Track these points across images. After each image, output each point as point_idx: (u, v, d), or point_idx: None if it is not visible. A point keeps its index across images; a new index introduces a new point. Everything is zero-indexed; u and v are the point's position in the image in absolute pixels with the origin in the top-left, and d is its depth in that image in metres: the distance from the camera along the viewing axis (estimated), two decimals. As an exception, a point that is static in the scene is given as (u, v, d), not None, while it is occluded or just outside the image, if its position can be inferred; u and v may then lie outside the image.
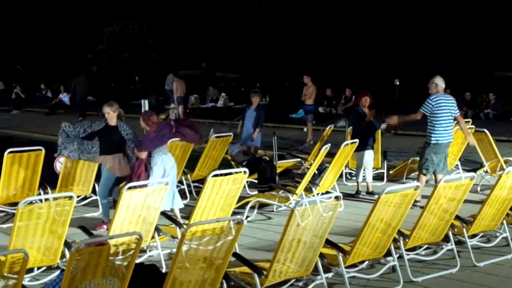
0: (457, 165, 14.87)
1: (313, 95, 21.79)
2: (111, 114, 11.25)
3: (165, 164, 10.86)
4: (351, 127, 15.58)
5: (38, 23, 51.56)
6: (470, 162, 15.66)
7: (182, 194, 13.47)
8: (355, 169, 14.27)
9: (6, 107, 36.26)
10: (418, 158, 14.70)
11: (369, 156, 13.55)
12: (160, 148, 10.84)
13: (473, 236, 9.69)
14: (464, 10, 38.87)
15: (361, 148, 13.13)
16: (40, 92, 40.70)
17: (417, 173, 14.80)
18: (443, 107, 12.08)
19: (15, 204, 11.20)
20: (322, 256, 7.84)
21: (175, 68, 36.30)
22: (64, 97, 35.51)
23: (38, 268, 8.55)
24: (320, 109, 29.71)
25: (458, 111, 12.46)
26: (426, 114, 12.13)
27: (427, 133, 12.25)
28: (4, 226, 11.29)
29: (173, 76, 28.90)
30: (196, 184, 13.73)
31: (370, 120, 13.65)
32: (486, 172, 13.96)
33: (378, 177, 14.98)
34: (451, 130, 12.34)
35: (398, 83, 27.80)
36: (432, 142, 12.12)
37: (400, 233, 8.53)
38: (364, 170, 13.62)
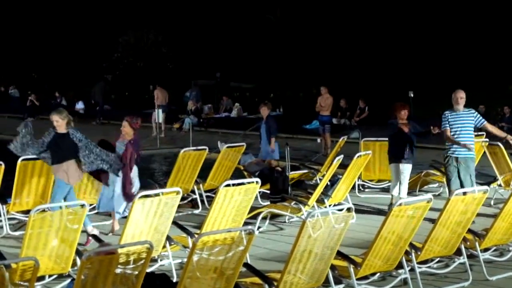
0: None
1: (331, 106, 21.76)
2: (60, 122, 11.18)
3: None
4: (364, 139, 15.58)
5: (54, 31, 51.79)
6: (483, 176, 15.58)
7: (195, 204, 13.52)
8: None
9: (20, 114, 36.36)
10: (431, 171, 14.72)
11: (405, 170, 12.93)
12: None
13: (486, 250, 9.63)
14: (480, 23, 38.80)
15: (396, 160, 12.92)
16: (55, 100, 40.80)
17: (429, 185, 14.85)
18: (459, 120, 12.13)
19: (27, 211, 11.24)
20: (333, 267, 7.82)
21: (191, 78, 36.48)
22: (79, 105, 35.62)
23: (50, 276, 8.57)
24: (334, 120, 29.66)
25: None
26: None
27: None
28: (16, 233, 11.32)
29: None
30: (208, 194, 13.72)
31: (406, 132, 13.08)
32: (500, 185, 13.91)
33: (391, 189, 14.95)
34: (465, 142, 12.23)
35: (412, 95, 27.72)
36: (449, 155, 12.19)
37: (412, 245, 8.50)
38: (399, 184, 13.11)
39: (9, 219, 11.83)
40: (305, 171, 15.57)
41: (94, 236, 9.09)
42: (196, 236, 8.34)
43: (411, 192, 14.50)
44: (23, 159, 11.89)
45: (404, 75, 36.96)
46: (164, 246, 9.11)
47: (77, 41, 50.85)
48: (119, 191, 11.28)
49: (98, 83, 35.05)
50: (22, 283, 6.14)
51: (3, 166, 11.93)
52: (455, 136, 12.00)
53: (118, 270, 6.25)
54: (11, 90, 43.63)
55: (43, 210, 8.45)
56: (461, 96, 12.15)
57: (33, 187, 11.99)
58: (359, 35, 41.12)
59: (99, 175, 11.40)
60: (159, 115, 25.60)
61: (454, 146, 12.02)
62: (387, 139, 15.20)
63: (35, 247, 8.23)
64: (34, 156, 11.81)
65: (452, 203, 8.56)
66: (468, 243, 9.21)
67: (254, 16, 44.06)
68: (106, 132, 28.44)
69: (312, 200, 11.74)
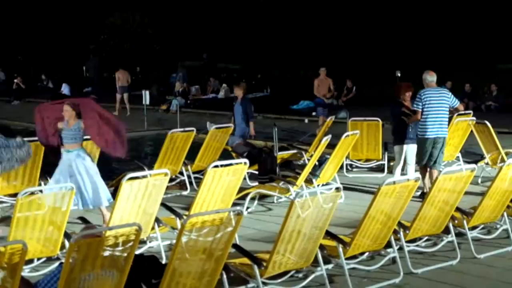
0: (458, 157, 14.85)
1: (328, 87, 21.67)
2: None
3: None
4: (351, 119, 15.59)
5: (40, 13, 51.45)
6: (471, 154, 15.65)
7: (183, 186, 13.51)
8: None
9: (7, 97, 36.23)
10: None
11: (409, 150, 12.83)
12: None
13: (474, 228, 9.67)
14: (466, 2, 38.78)
15: (401, 141, 12.86)
16: (41, 83, 40.66)
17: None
18: (434, 100, 12.03)
19: (15, 195, 11.20)
20: (322, 247, 7.83)
21: (178, 59, 36.41)
22: (65, 89, 35.48)
23: (38, 259, 8.55)
24: (321, 101, 29.69)
25: (455, 102, 12.35)
26: (422, 110, 12.07)
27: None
28: (5, 216, 11.29)
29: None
30: (196, 175, 13.72)
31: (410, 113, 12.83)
32: (487, 164, 13.95)
33: (378, 169, 14.99)
34: (441, 124, 12.19)
35: (399, 74, 27.74)
36: (419, 136, 12.22)
37: (400, 224, 8.52)
38: (404, 165, 13.07)
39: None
40: (293, 151, 15.58)
41: (83, 219, 9.06)
42: (184, 217, 8.33)
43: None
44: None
45: (391, 55, 36.96)
46: (153, 228, 9.10)
47: (63, 23, 50.51)
48: (93, 180, 10.78)
49: (91, 59, 35.53)
50: (10, 266, 6.10)
51: (-10, 149, 11.84)
52: (431, 115, 12.05)
53: (106, 253, 6.24)
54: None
55: (31, 193, 8.42)
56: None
57: (20, 170, 11.91)
58: (345, 15, 41.04)
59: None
60: (146, 97, 25.53)
61: (432, 126, 12.05)
62: (375, 118, 15.28)
63: (23, 230, 8.22)
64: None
65: (440, 182, 8.57)
66: (456, 221, 9.23)
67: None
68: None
69: (300, 180, 11.75)
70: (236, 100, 16.42)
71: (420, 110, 12.04)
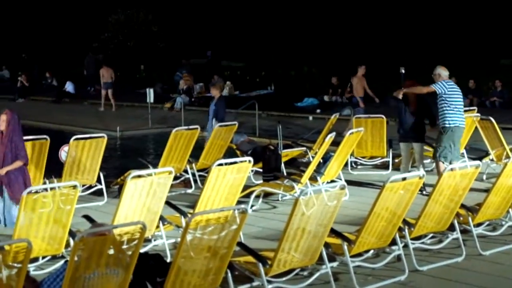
0: (462, 153, 14.81)
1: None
2: None
3: None
4: (356, 116, 15.58)
5: (44, 11, 51.50)
6: (475, 150, 15.61)
7: (188, 184, 13.51)
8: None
9: (11, 95, 36.26)
10: (424, 147, 14.68)
11: (417, 148, 12.83)
12: None
13: (479, 224, 9.64)
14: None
15: (406, 139, 12.84)
16: (46, 81, 40.69)
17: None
18: (456, 92, 12.10)
19: (20, 193, 11.22)
20: (327, 245, 7.82)
21: (182, 57, 36.46)
22: (69, 86, 35.53)
23: (43, 257, 8.57)
24: (325, 98, 29.70)
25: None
26: (437, 92, 12.02)
27: (443, 118, 12.12)
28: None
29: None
30: (201, 173, 13.72)
31: (415, 110, 12.79)
32: (492, 160, 13.93)
33: (383, 166, 14.98)
34: (464, 115, 12.36)
35: (403, 71, 27.69)
36: (451, 126, 12.02)
37: (405, 222, 8.51)
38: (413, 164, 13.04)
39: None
40: (298, 149, 15.56)
41: (87, 217, 9.07)
42: (189, 215, 8.33)
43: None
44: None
45: (395, 51, 36.94)
46: (158, 226, 9.11)
47: (67, 21, 50.57)
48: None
49: (89, 56, 36.07)
50: (15, 264, 6.11)
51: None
52: (459, 104, 12.10)
53: (111, 251, 6.24)
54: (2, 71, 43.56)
55: (36, 192, 8.43)
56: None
57: (25, 168, 11.93)
58: (350, 12, 41.02)
59: None
60: (150, 95, 25.55)
61: (461, 115, 12.09)
62: (379, 115, 15.27)
63: (28, 228, 8.23)
64: (26, 137, 11.79)
65: (445, 179, 8.56)
66: (461, 218, 9.23)
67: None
68: (94, 114, 28.45)
69: (305, 178, 11.75)
70: (212, 99, 15.97)
71: (434, 89, 12.06)
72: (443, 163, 11.99)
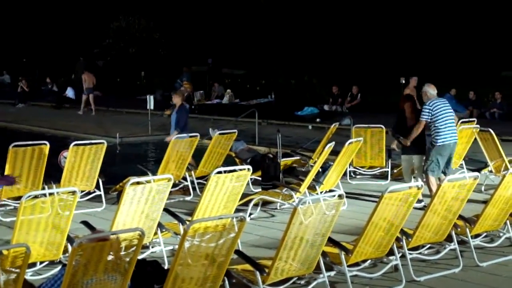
0: (461, 164, 14.84)
1: None
2: None
3: None
4: (355, 126, 15.61)
5: (45, 16, 51.56)
6: (474, 162, 15.63)
7: (186, 191, 13.53)
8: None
9: (12, 100, 36.31)
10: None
11: (417, 161, 12.77)
12: None
13: (476, 236, 9.65)
14: (471, 9, 38.79)
15: (409, 151, 12.74)
16: (46, 86, 40.74)
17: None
18: (442, 108, 12.08)
19: (19, 198, 11.24)
20: (324, 254, 7.83)
21: (183, 64, 36.51)
22: (69, 92, 35.60)
23: (41, 262, 8.57)
24: (325, 107, 29.74)
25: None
26: (428, 121, 12.10)
27: (432, 134, 12.19)
28: (8, 220, 11.31)
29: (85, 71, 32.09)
30: (199, 180, 13.74)
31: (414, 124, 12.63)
32: (491, 171, 13.95)
33: (382, 176, 14.99)
34: (455, 130, 12.32)
35: (403, 81, 27.76)
36: (438, 144, 12.06)
37: (403, 232, 8.52)
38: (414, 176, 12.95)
39: (0, 205, 11.82)
40: (297, 157, 15.58)
41: (86, 223, 9.08)
42: (187, 223, 8.34)
43: (402, 178, 14.51)
44: (14, 145, 11.88)
45: (395, 62, 36.97)
46: (156, 233, 9.11)
47: (69, 27, 50.63)
48: None
49: (80, 61, 36.54)
50: (13, 269, 6.11)
51: (-7, 152, 11.90)
52: (448, 121, 12.11)
53: (109, 257, 6.25)
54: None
55: (35, 197, 8.44)
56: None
57: (24, 173, 11.97)
58: (351, 21, 41.08)
59: None
60: (150, 102, 25.58)
61: (451, 131, 12.09)
62: (379, 126, 15.30)
63: (26, 233, 8.24)
64: (25, 142, 11.82)
65: (443, 190, 8.57)
66: (459, 229, 9.23)
67: (245, 2, 43.92)
68: (94, 120, 28.48)
69: (304, 187, 11.76)
70: (174, 107, 15.86)
71: (424, 121, 12.10)
72: (432, 176, 12.10)
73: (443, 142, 12.03)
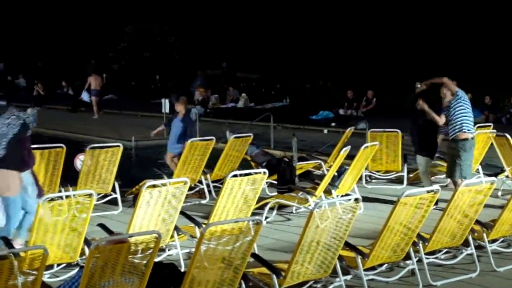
0: (477, 169, 14.76)
1: None
2: None
3: None
4: (371, 130, 15.58)
5: (61, 20, 51.80)
6: (491, 167, 15.55)
7: (202, 194, 13.54)
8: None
9: (27, 104, 36.42)
10: (438, 162, 14.66)
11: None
12: None
13: (493, 241, 9.61)
14: (487, 12, 38.68)
15: (425, 153, 12.77)
16: (62, 90, 40.90)
17: (437, 176, 14.75)
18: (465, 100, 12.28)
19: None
20: (341, 258, 7.83)
21: (197, 68, 36.61)
22: (84, 95, 35.72)
23: (58, 265, 8.60)
24: (341, 111, 29.71)
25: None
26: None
27: None
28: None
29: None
30: (215, 184, 13.74)
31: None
32: (507, 177, 13.89)
33: (398, 180, 14.94)
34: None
35: (419, 86, 27.66)
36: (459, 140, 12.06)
37: (419, 236, 8.50)
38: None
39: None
40: (312, 161, 15.56)
41: (102, 226, 9.11)
42: (203, 226, 8.36)
43: (418, 183, 14.47)
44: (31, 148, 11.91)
45: (411, 66, 36.91)
46: (172, 236, 9.13)
47: (84, 31, 50.85)
48: None
49: (91, 64, 36.83)
50: (31, 271, 6.14)
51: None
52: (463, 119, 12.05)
53: (126, 260, 6.27)
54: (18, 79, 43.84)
55: (52, 199, 8.47)
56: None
57: (41, 176, 11.99)
58: (367, 25, 41.06)
59: None
60: (165, 106, 25.61)
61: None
62: (394, 130, 15.26)
63: (43, 236, 8.27)
64: (42, 146, 11.86)
65: (460, 194, 8.55)
66: (476, 234, 9.19)
67: (260, 6, 43.96)
68: (111, 123, 28.56)
69: (319, 191, 11.74)
70: (176, 115, 15.39)
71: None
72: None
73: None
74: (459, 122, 11.96)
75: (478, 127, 15.15)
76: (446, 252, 9.29)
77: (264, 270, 7.49)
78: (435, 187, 8.68)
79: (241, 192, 9.59)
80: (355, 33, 41.10)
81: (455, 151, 11.99)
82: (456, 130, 11.97)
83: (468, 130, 11.97)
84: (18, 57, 51.75)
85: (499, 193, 13.23)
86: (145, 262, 6.37)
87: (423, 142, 12.76)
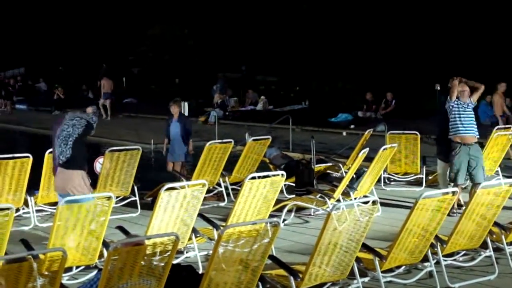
0: (497, 171, 14.72)
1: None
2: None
3: None
4: (390, 132, 15.55)
5: (81, 25, 52.08)
6: (510, 169, 15.49)
7: (220, 197, 13.57)
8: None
9: (48, 107, 36.74)
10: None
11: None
12: None
13: (512, 243, 9.59)
14: (505, 16, 38.46)
15: (442, 156, 12.74)
16: (82, 93, 41.11)
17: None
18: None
19: (55, 204, 11.37)
20: (358, 260, 7.83)
21: (217, 71, 36.72)
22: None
23: (77, 267, 8.65)
24: (359, 114, 29.67)
25: None
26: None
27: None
28: (44, 225, 11.44)
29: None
30: (233, 186, 13.77)
31: None
32: (527, 179, 13.80)
33: (416, 183, 14.91)
34: None
35: (439, 88, 27.53)
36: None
37: (437, 238, 8.48)
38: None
39: (37, 211, 11.95)
40: (331, 164, 15.56)
41: (121, 228, 9.16)
42: (221, 228, 8.38)
43: (437, 185, 14.44)
44: (51, 152, 12.00)
45: (430, 68, 36.76)
46: (190, 238, 9.16)
47: (104, 35, 51.09)
48: None
49: (104, 68, 37.91)
50: (50, 273, 6.20)
51: (31, 158, 12.01)
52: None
53: (144, 262, 6.31)
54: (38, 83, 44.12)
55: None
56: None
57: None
58: (386, 28, 40.94)
59: None
60: (185, 109, 25.67)
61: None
62: (413, 132, 15.23)
63: (62, 238, 8.33)
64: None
65: (478, 196, 8.53)
66: (494, 236, 9.17)
67: (280, 9, 43.95)
68: (129, 126, 28.67)
69: (338, 193, 11.74)
70: (171, 118, 15.30)
71: None
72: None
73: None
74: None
75: (498, 129, 15.09)
76: (464, 254, 9.26)
77: (281, 272, 7.50)
78: (453, 189, 8.67)
79: (259, 195, 9.60)
80: (374, 35, 40.99)
81: None
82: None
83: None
84: (39, 61, 52.09)
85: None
86: (163, 264, 6.40)
87: (442, 144, 12.70)
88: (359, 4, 41.55)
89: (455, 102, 11.88)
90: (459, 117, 11.80)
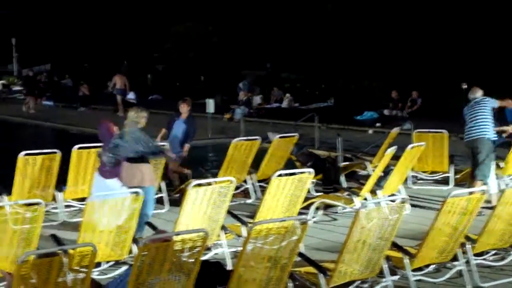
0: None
1: None
2: None
3: None
4: (417, 130, 15.45)
5: (106, 21, 52.32)
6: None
7: (247, 194, 13.56)
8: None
9: (74, 104, 36.95)
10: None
11: None
12: None
13: (542, 242, 9.49)
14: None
15: None
16: (107, 90, 41.30)
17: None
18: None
19: (83, 199, 11.44)
20: (387, 258, 7.80)
21: (241, 68, 36.75)
22: (131, 95, 35.98)
23: (107, 262, 8.69)
24: (385, 112, 29.56)
25: None
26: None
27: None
28: (73, 221, 11.49)
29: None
30: (260, 183, 13.75)
31: None
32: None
33: (444, 181, 14.80)
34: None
35: (465, 86, 27.33)
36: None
37: (467, 237, 8.42)
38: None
39: (65, 206, 12.01)
40: (357, 162, 15.50)
41: (150, 224, 9.18)
42: (249, 225, 8.37)
43: (465, 184, 14.33)
44: (79, 148, 12.07)
45: (457, 67, 36.55)
46: (218, 235, 9.16)
47: (129, 32, 51.28)
48: None
49: (124, 65, 37.40)
50: (80, 269, 6.23)
51: (59, 154, 12.06)
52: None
53: (174, 258, 6.32)
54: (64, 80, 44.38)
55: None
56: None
57: (88, 175, 12.13)
58: (412, 26, 40.75)
59: None
60: (210, 106, 25.71)
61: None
62: (441, 130, 15.12)
63: (91, 233, 8.37)
64: (89, 144, 11.99)
65: (507, 195, 8.45)
66: (525, 235, 9.09)
67: (305, 6, 43.88)
68: (156, 123, 28.71)
69: (365, 191, 11.69)
70: (178, 116, 15.01)
71: None
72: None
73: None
74: None
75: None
76: (494, 254, 9.18)
77: (310, 269, 7.50)
78: (482, 187, 8.60)
79: (286, 192, 9.60)
80: (401, 34, 40.81)
81: None
82: None
83: None
84: (65, 58, 52.39)
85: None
86: (192, 260, 6.41)
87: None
88: (386, 3, 41.38)
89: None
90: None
